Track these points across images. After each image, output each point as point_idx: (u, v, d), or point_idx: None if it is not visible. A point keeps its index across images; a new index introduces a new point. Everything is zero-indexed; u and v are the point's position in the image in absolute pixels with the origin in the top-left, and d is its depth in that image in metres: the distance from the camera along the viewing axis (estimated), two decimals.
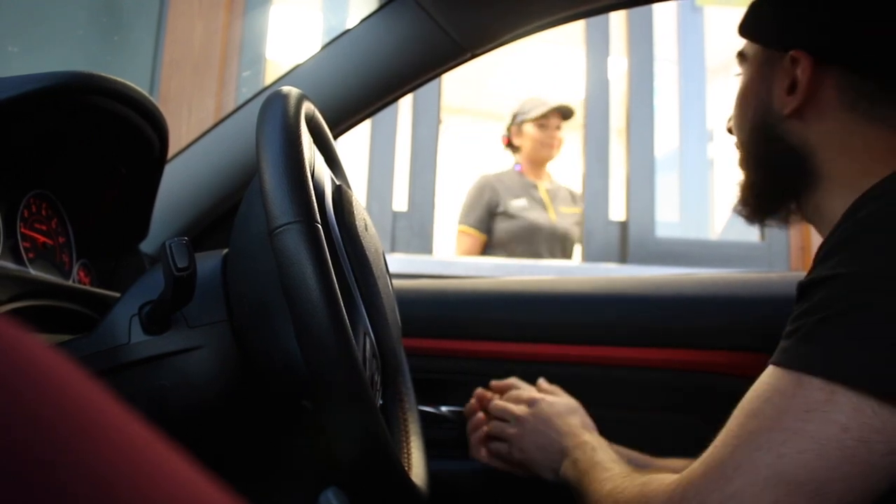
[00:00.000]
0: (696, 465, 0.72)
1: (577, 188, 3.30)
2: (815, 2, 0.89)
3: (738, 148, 0.99)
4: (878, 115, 0.84)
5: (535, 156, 3.14)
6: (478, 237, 3.06)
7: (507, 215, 3.03)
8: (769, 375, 0.70)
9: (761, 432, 0.66)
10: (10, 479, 0.16)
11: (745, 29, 0.98)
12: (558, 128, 3.12)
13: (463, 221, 3.10)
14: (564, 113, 3.12)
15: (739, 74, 0.99)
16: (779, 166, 0.93)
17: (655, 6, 3.30)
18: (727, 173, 4.01)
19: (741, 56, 0.98)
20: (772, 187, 0.95)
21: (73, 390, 0.19)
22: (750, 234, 3.32)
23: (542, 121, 3.10)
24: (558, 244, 3.10)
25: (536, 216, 3.04)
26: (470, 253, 3.05)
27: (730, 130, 1.01)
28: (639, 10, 3.36)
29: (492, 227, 3.07)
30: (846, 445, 0.61)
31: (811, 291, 0.70)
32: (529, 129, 3.12)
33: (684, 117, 3.52)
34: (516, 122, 3.16)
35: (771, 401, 0.67)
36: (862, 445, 0.61)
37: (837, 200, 0.85)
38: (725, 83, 4.04)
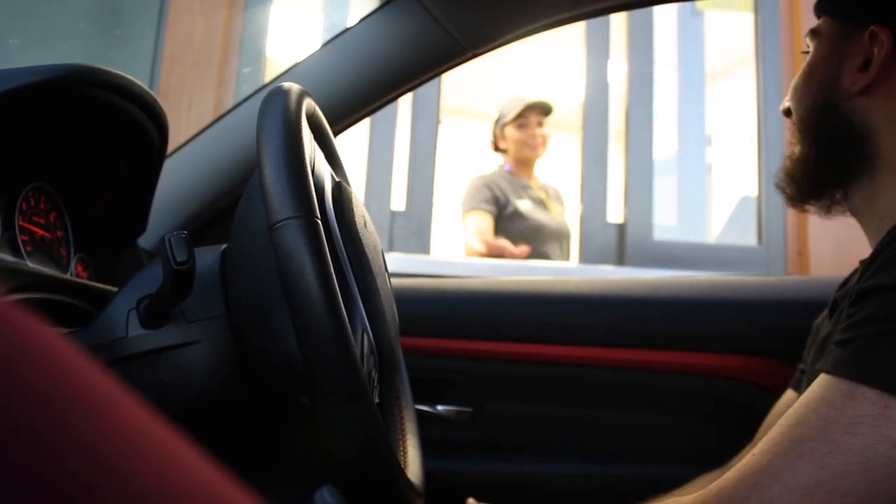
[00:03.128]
0: (730, 473, 0.69)
1: (565, 187, 3.29)
2: None
3: (795, 125, 0.95)
4: None
5: (521, 156, 3.12)
6: (491, 219, 3.00)
7: (518, 216, 3.00)
8: (819, 384, 0.67)
9: (804, 441, 0.64)
10: (17, 467, 0.16)
11: (823, 6, 0.95)
12: (540, 124, 3.09)
13: (472, 207, 3.03)
14: (543, 109, 3.10)
15: (807, 52, 0.96)
16: (836, 145, 0.90)
17: (656, 10, 3.31)
18: (725, 177, 4.02)
19: (814, 32, 0.95)
20: (824, 166, 0.92)
21: (82, 378, 0.19)
22: (747, 237, 3.32)
23: (521, 120, 3.08)
24: (564, 243, 3.10)
25: (541, 216, 3.03)
26: (486, 233, 2.97)
27: (786, 112, 0.98)
28: (639, 14, 3.36)
29: (500, 223, 3.02)
30: (895, 461, 0.59)
31: (871, 298, 0.67)
32: (510, 131, 3.11)
33: (683, 121, 3.52)
34: (499, 127, 3.16)
35: (818, 410, 0.65)
36: None
37: (892, 191, 0.85)
38: (725, 87, 4.04)
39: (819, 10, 0.96)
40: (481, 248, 2.93)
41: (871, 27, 0.86)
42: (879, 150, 0.86)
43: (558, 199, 3.20)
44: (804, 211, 0.98)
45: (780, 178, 0.98)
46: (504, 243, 2.91)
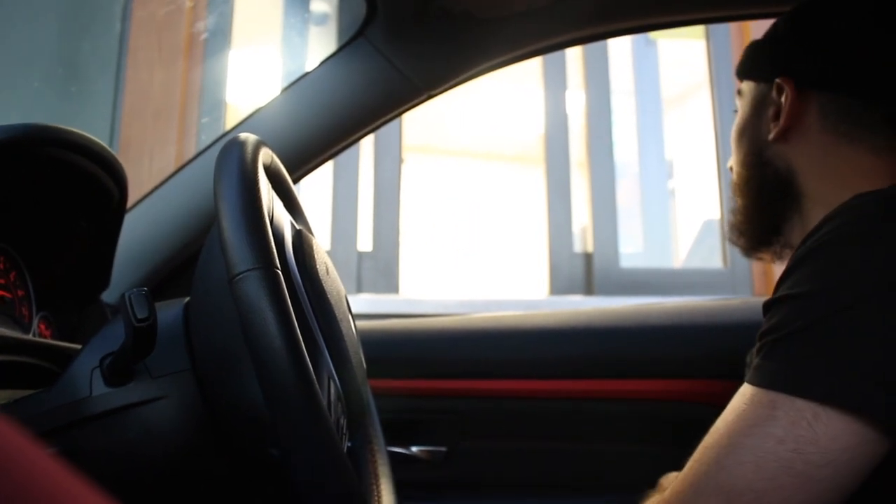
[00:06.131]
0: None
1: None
2: (797, 34, 0.95)
3: (733, 180, 1.05)
4: (858, 137, 0.89)
5: None
6: None
7: None
8: (735, 396, 0.73)
9: (710, 449, 0.70)
10: None
11: (741, 70, 1.04)
12: None
13: None
14: None
15: (737, 111, 1.05)
16: (768, 190, 0.98)
17: (610, 40, 3.35)
18: (688, 201, 4.06)
19: (739, 93, 1.04)
20: (762, 212, 1.00)
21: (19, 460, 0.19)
22: (713, 260, 3.35)
23: None
24: None
25: None
26: None
27: (731, 169, 1.06)
28: (594, 44, 3.39)
29: None
30: (781, 457, 0.64)
31: (770, 311, 0.73)
32: None
33: (643, 148, 3.56)
34: None
35: (725, 419, 0.71)
36: (797, 457, 0.64)
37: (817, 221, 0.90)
38: (682, 113, 4.10)
39: (737, 74, 1.05)
40: None
41: (776, 80, 0.94)
42: (803, 186, 0.94)
43: None
44: (759, 259, 1.07)
45: (730, 233, 1.07)
46: None
